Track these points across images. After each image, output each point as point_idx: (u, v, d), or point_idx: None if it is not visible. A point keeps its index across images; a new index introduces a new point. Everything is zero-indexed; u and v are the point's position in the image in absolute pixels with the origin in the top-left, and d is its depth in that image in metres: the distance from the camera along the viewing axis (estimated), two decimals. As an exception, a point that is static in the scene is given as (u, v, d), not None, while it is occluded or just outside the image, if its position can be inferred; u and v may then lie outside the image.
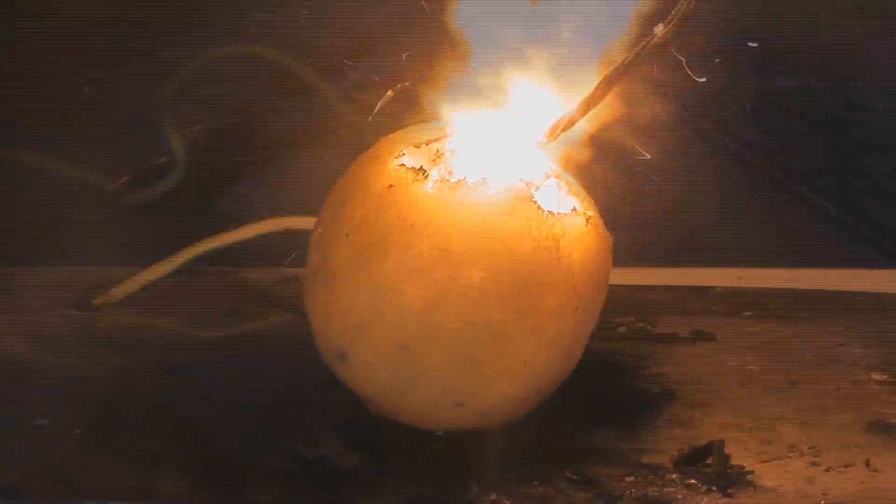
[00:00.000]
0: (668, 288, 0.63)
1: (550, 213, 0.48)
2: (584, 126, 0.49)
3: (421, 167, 0.49)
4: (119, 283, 0.60)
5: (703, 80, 0.49)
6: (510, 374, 0.48)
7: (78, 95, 0.90)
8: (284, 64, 0.88)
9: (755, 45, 0.47)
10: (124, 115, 0.89)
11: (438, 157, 0.49)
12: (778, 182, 0.61)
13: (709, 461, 0.49)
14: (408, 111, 0.88)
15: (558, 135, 0.48)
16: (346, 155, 0.52)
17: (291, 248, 0.54)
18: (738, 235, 0.81)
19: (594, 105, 0.48)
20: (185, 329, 0.59)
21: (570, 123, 0.48)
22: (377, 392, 0.50)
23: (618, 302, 0.51)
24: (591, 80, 0.49)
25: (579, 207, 0.49)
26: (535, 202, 0.48)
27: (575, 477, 0.49)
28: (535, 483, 0.49)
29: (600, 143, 0.50)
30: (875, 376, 0.55)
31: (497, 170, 0.49)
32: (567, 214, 0.48)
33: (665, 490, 0.48)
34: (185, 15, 0.97)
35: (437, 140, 0.50)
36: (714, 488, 0.48)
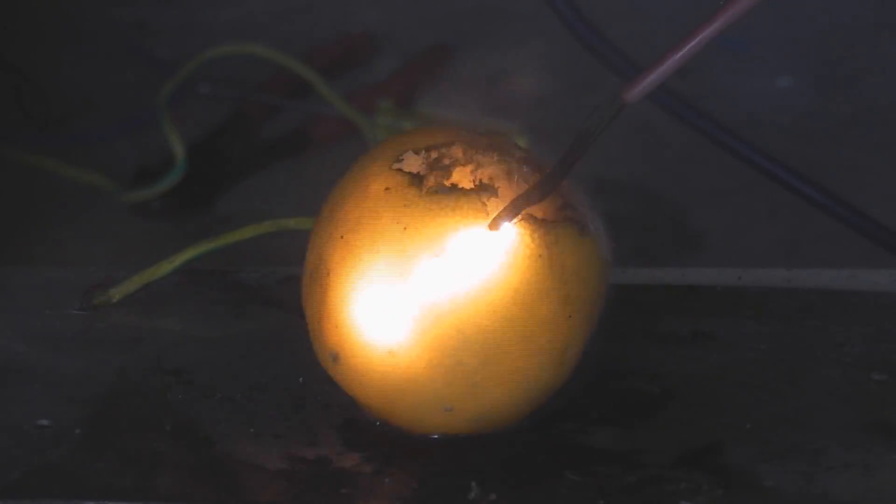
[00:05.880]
0: (668, 288, 0.63)
1: (545, 219, 0.48)
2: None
3: (418, 172, 0.49)
4: (118, 283, 0.60)
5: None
6: (500, 381, 0.48)
7: (78, 95, 0.90)
8: (284, 64, 0.88)
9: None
10: (124, 115, 0.90)
11: (436, 163, 0.49)
12: (778, 181, 0.61)
13: None
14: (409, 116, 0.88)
15: (508, 219, 0.48)
16: (347, 155, 0.52)
17: (291, 248, 0.54)
18: (738, 235, 0.81)
19: (547, 192, 0.48)
20: (185, 329, 0.59)
21: (522, 207, 0.48)
22: (367, 394, 0.50)
23: (618, 302, 0.51)
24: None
25: (575, 213, 0.49)
26: (529, 209, 0.48)
27: (575, 477, 0.49)
28: (535, 483, 0.49)
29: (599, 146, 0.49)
30: (875, 376, 0.55)
31: (492, 177, 0.49)
32: (561, 222, 0.48)
33: (665, 490, 0.48)
34: (185, 15, 0.97)
35: (435, 146, 0.50)
36: (714, 488, 0.48)
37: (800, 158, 0.62)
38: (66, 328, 0.59)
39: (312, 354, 0.51)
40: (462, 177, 0.49)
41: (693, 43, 0.45)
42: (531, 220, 0.48)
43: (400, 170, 0.49)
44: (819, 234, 0.74)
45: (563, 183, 0.49)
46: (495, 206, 0.48)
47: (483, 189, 0.48)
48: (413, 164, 0.49)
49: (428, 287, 0.47)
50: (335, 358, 0.49)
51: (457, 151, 0.50)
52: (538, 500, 0.48)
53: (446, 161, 0.49)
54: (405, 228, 0.47)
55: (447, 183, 0.49)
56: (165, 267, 0.60)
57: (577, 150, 0.47)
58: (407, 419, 0.50)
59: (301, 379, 0.55)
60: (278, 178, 0.87)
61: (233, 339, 0.58)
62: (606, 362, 0.55)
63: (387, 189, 0.48)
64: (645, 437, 0.52)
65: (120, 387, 0.55)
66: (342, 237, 0.49)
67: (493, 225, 0.47)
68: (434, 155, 0.50)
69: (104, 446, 0.51)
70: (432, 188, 0.48)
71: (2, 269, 0.64)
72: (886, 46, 1.00)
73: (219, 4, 1.02)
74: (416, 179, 0.48)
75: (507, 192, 0.49)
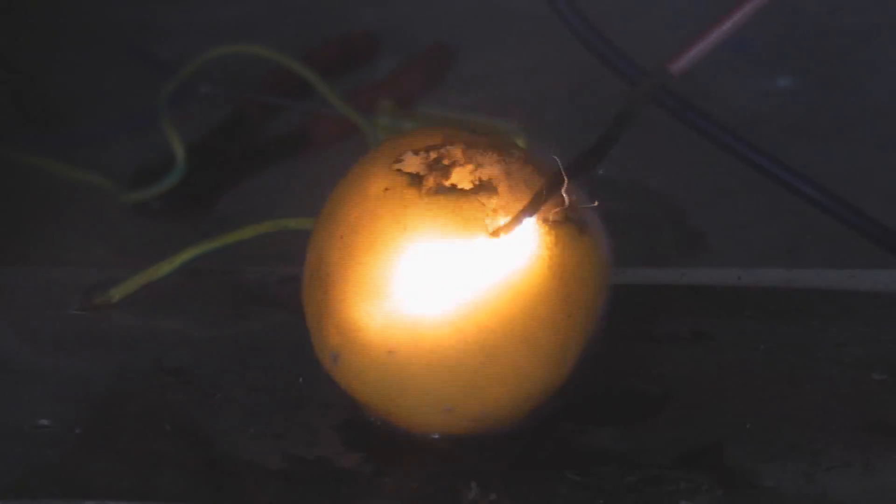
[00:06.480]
0: (668, 288, 0.63)
1: (544, 220, 0.48)
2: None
3: (417, 172, 0.49)
4: (118, 284, 0.60)
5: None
6: (500, 381, 0.48)
7: (78, 95, 0.90)
8: (284, 64, 0.88)
9: None
10: (124, 115, 0.90)
11: (435, 163, 0.49)
12: (778, 180, 0.61)
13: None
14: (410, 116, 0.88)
15: (503, 233, 0.48)
16: (347, 155, 0.52)
17: (291, 248, 0.54)
18: (738, 235, 0.81)
19: (542, 205, 0.48)
20: (185, 329, 0.59)
21: (518, 221, 0.48)
22: (368, 394, 0.50)
23: (618, 302, 0.51)
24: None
25: (575, 213, 0.49)
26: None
27: (575, 477, 0.49)
28: (535, 483, 0.49)
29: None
30: (875, 376, 0.55)
31: (492, 177, 0.49)
32: (561, 222, 0.48)
33: (665, 490, 0.48)
34: (185, 15, 0.97)
35: (435, 146, 0.50)
36: (714, 488, 0.48)
37: (800, 158, 0.62)
38: (66, 328, 0.59)
39: (312, 354, 0.51)
40: (462, 177, 0.49)
41: (739, 15, 0.45)
42: (532, 220, 0.48)
43: (400, 170, 0.49)
44: (819, 234, 0.74)
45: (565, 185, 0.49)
46: (495, 206, 0.48)
47: (483, 189, 0.48)
48: (413, 164, 0.49)
49: (428, 287, 0.47)
50: (335, 358, 0.49)
51: (456, 152, 0.50)
52: (538, 500, 0.48)
53: (446, 161, 0.49)
54: (405, 229, 0.47)
55: (447, 183, 0.49)
56: (165, 267, 0.60)
57: (622, 122, 0.46)
58: (407, 419, 0.50)
59: (301, 379, 0.55)
60: (278, 178, 0.87)
61: (233, 339, 0.58)
62: (606, 362, 0.55)
63: (387, 189, 0.48)
64: (645, 437, 0.52)
65: (120, 387, 0.55)
66: (342, 237, 0.49)
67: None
68: (434, 155, 0.50)
69: (104, 446, 0.51)
70: (432, 188, 0.48)
71: (2, 269, 0.64)
72: (886, 46, 1.00)
73: (219, 4, 1.02)
74: (416, 180, 0.48)
75: (507, 192, 0.49)
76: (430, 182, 0.49)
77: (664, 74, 0.46)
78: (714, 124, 0.61)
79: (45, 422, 0.52)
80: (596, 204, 0.50)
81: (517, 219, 0.47)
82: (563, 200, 0.49)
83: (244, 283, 0.63)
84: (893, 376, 0.55)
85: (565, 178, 0.48)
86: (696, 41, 0.45)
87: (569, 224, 0.48)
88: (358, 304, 0.48)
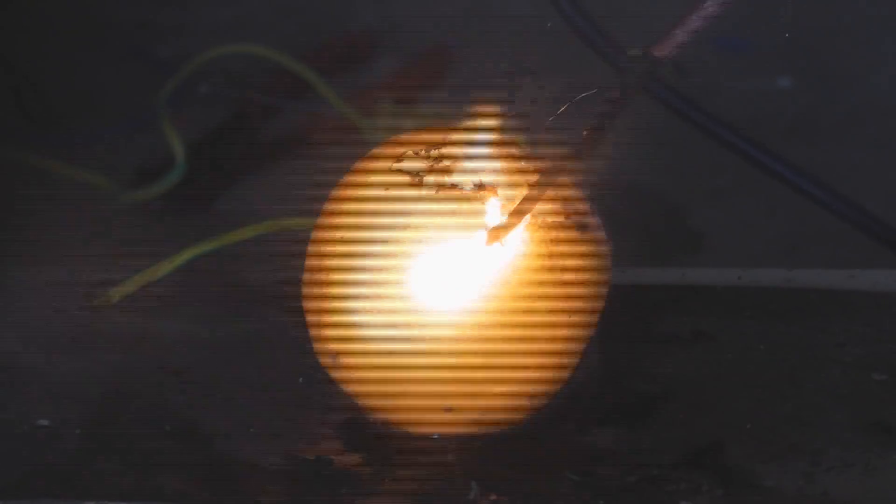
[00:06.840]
0: (668, 288, 0.63)
1: (544, 220, 0.48)
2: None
3: (417, 172, 0.49)
4: (118, 284, 0.60)
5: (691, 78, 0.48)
6: (500, 381, 0.48)
7: (78, 95, 0.90)
8: (284, 64, 0.88)
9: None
10: (124, 115, 0.90)
11: (436, 163, 0.49)
12: (778, 179, 0.61)
13: None
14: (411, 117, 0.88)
15: (500, 238, 0.48)
16: (347, 155, 0.52)
17: (291, 248, 0.54)
18: (738, 235, 0.81)
19: (533, 206, 0.48)
20: (185, 329, 0.59)
21: (511, 226, 0.48)
22: (367, 395, 0.50)
23: (617, 302, 0.51)
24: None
25: (574, 213, 0.49)
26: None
27: (575, 477, 0.49)
28: (535, 483, 0.49)
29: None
30: (875, 376, 0.55)
31: (491, 178, 0.49)
32: (561, 222, 0.48)
33: (665, 490, 0.48)
34: (185, 15, 0.97)
35: (436, 147, 0.50)
36: (714, 488, 0.48)
37: (800, 158, 0.62)
38: (66, 328, 0.59)
39: (312, 354, 0.51)
40: (462, 177, 0.49)
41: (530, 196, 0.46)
42: (532, 220, 0.48)
43: (400, 170, 0.49)
44: (819, 233, 0.74)
45: (564, 182, 0.49)
46: (495, 206, 0.48)
47: (483, 189, 0.48)
48: (413, 164, 0.49)
49: (428, 287, 0.47)
50: (335, 358, 0.49)
51: (457, 151, 0.50)
52: (538, 500, 0.48)
53: (446, 161, 0.49)
54: (405, 229, 0.47)
55: (447, 183, 0.49)
56: (165, 267, 0.60)
57: (617, 104, 0.47)
58: (407, 419, 0.50)
59: (301, 379, 0.55)
60: (278, 178, 0.86)
61: (233, 339, 0.58)
62: (606, 362, 0.55)
63: (387, 189, 0.48)
64: (645, 437, 0.52)
65: (120, 387, 0.55)
66: (342, 237, 0.49)
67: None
68: (434, 155, 0.50)
69: (104, 446, 0.51)
70: (432, 188, 0.48)
71: (2, 269, 0.64)
72: (886, 46, 1.00)
73: (219, 4, 1.02)
74: (416, 180, 0.48)
75: (507, 193, 0.49)
76: (430, 182, 0.49)
77: (652, 61, 0.46)
78: (715, 122, 0.61)
79: (45, 422, 0.52)
80: (595, 204, 0.50)
81: (516, 217, 0.47)
82: (562, 199, 0.49)
83: (244, 283, 0.63)
84: (893, 376, 0.55)
85: (559, 172, 0.48)
86: (680, 24, 0.45)
87: (568, 224, 0.48)
88: (358, 304, 0.48)
